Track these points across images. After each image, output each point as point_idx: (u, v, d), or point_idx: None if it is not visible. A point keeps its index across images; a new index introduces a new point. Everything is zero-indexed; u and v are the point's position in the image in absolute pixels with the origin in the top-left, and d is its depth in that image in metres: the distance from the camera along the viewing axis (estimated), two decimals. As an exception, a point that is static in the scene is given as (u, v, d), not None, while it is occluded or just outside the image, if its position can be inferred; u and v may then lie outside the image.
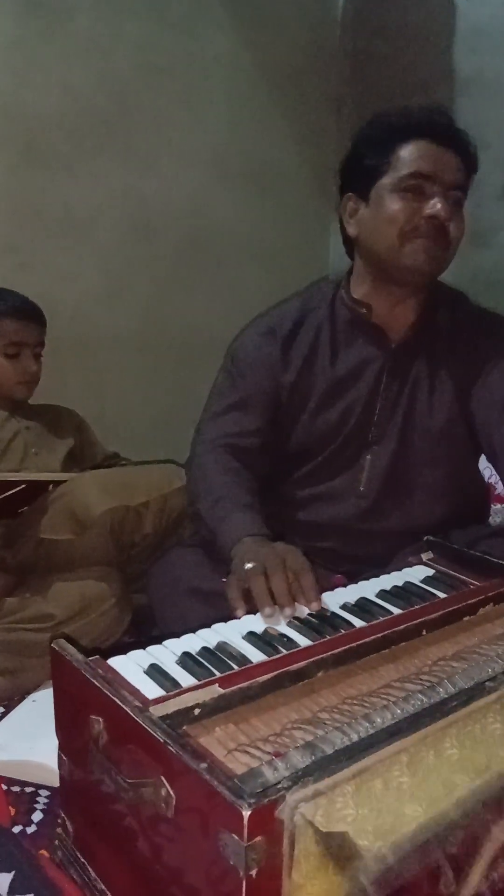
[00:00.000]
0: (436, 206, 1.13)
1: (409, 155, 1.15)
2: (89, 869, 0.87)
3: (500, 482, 1.76)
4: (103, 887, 0.84)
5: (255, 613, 0.98)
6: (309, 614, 0.98)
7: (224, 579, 1.27)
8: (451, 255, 1.19)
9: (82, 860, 0.88)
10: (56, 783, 0.93)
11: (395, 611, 0.99)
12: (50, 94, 1.96)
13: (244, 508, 1.18)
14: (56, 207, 2.02)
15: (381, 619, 0.96)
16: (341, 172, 1.24)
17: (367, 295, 1.25)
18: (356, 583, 1.08)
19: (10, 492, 1.40)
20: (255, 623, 0.96)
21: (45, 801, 1.08)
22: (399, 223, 1.14)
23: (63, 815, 0.92)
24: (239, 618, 0.97)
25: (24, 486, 1.41)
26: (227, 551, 1.11)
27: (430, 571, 1.12)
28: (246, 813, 0.58)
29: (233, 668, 0.84)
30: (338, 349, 1.27)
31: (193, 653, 0.88)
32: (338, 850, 0.62)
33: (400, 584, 1.07)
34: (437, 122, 1.17)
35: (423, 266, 1.17)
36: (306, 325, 1.28)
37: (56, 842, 0.94)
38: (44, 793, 1.09)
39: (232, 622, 0.97)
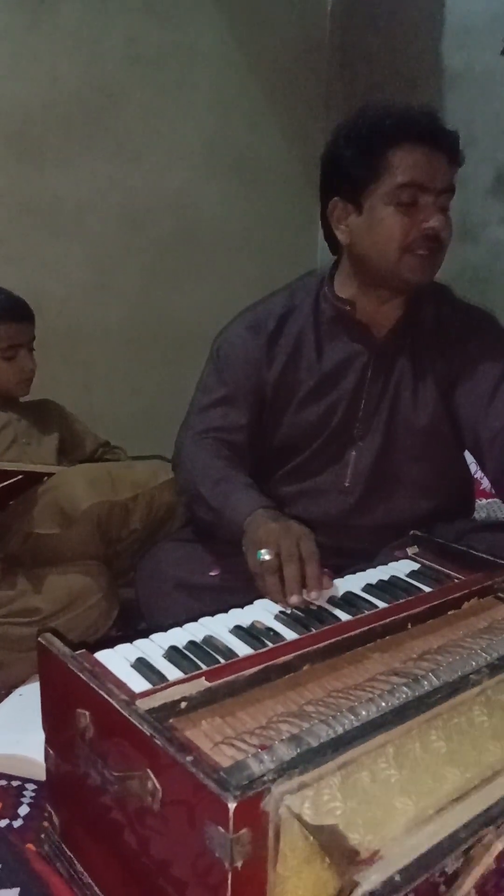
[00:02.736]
0: (433, 220, 1.13)
1: (401, 162, 1.12)
2: (76, 862, 0.87)
3: (485, 477, 1.77)
4: (90, 880, 0.84)
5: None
6: (295, 608, 0.98)
7: (212, 574, 1.28)
8: (443, 258, 1.20)
9: (69, 853, 0.88)
10: (43, 777, 0.93)
11: (381, 605, 0.99)
12: (38, 86, 1.94)
13: (248, 486, 1.19)
14: (43, 200, 2.01)
15: (367, 612, 0.96)
16: (324, 175, 1.22)
17: (354, 294, 1.24)
18: (342, 577, 1.08)
19: (7, 482, 1.40)
20: (242, 617, 0.97)
21: (32, 794, 1.08)
22: (397, 240, 1.14)
23: (49, 808, 0.92)
24: (293, 604, 0.98)
25: (20, 476, 1.41)
26: (239, 525, 1.11)
27: (416, 566, 1.13)
28: (231, 805, 0.59)
29: (219, 662, 0.84)
30: (322, 345, 1.27)
31: (180, 646, 0.88)
32: (329, 842, 0.63)
33: (385, 578, 1.08)
34: (426, 125, 1.15)
35: (423, 278, 1.18)
36: (291, 321, 1.28)
37: (42, 835, 0.94)
38: (30, 786, 1.09)
39: (219, 616, 0.97)
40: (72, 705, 0.79)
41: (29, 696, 1.23)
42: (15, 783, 1.10)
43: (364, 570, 1.11)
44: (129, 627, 1.45)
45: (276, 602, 1.00)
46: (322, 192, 1.22)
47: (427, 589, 1.04)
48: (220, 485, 1.20)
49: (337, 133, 1.20)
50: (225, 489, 1.19)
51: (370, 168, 1.14)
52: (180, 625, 0.94)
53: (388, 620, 0.93)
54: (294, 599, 0.97)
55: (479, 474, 1.75)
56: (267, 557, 1.02)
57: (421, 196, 1.13)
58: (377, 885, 0.62)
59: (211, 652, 0.87)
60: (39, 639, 0.85)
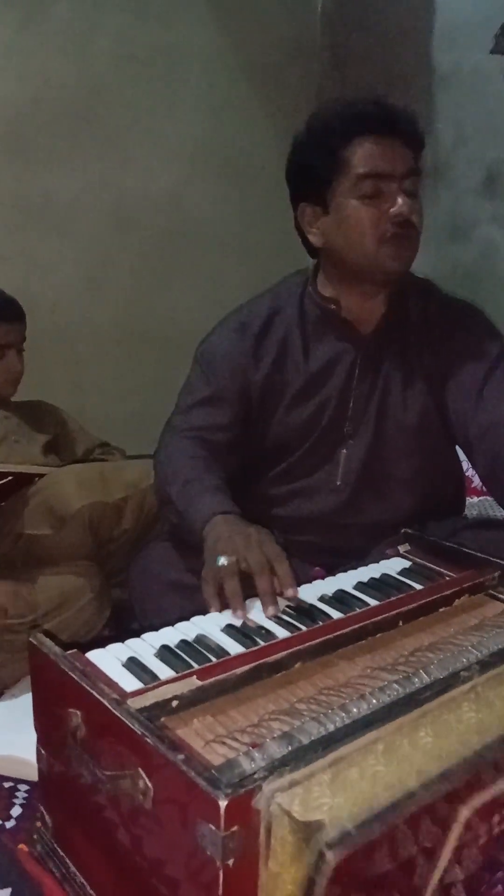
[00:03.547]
0: (399, 206, 1.12)
1: (355, 156, 1.13)
2: (68, 862, 0.87)
3: (476, 475, 1.78)
4: (82, 880, 0.84)
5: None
6: (287, 606, 0.98)
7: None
8: (419, 241, 1.19)
9: (61, 853, 0.88)
10: (35, 777, 0.93)
11: (373, 602, 1.00)
12: (28, 85, 1.94)
13: (213, 490, 1.18)
14: (34, 199, 2.01)
15: (359, 610, 0.96)
16: (289, 184, 1.23)
17: (337, 293, 1.24)
18: (334, 575, 1.08)
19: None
20: (234, 616, 0.97)
21: (25, 795, 1.08)
22: (367, 232, 1.14)
23: (42, 808, 0.92)
24: (217, 613, 0.97)
25: (10, 478, 1.40)
26: (198, 531, 1.10)
27: (407, 563, 1.13)
28: (223, 803, 0.59)
29: (211, 661, 0.84)
30: (309, 345, 1.27)
31: (172, 646, 0.88)
32: (312, 836, 0.63)
33: (377, 576, 1.08)
34: (374, 114, 1.14)
35: (400, 266, 1.17)
36: (276, 322, 1.28)
37: (35, 836, 0.94)
38: (23, 787, 1.09)
39: (211, 615, 0.97)
40: (63, 705, 0.79)
41: (21, 697, 1.23)
42: (7, 784, 1.10)
43: (356, 568, 1.11)
44: (122, 627, 1.44)
45: (215, 610, 0.97)
46: (291, 201, 1.23)
47: (418, 587, 1.05)
48: (187, 486, 1.19)
49: (294, 142, 1.21)
50: (190, 492, 1.18)
51: (328, 168, 1.14)
52: (172, 624, 0.94)
53: (379, 618, 0.93)
54: (271, 611, 0.96)
55: (470, 472, 1.76)
56: (225, 563, 1.00)
57: (383, 185, 1.13)
58: (333, 837, 0.62)
59: (203, 651, 0.87)
60: (31, 639, 0.85)
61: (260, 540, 1.04)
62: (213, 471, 1.23)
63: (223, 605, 0.98)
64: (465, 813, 0.73)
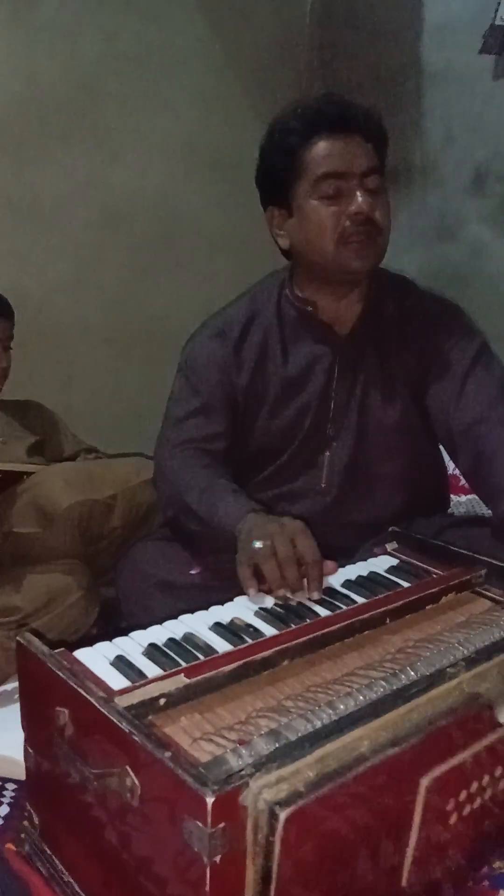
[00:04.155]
0: (358, 203, 1.12)
1: (313, 157, 1.13)
2: (56, 861, 0.87)
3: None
4: (70, 879, 0.84)
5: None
6: (275, 604, 0.99)
7: (192, 572, 1.28)
8: (386, 240, 1.18)
9: (49, 852, 0.88)
10: (23, 776, 0.93)
11: (360, 600, 1.00)
12: (16, 82, 1.93)
13: (235, 493, 1.19)
14: (23, 196, 2.00)
15: (346, 608, 0.97)
16: (258, 186, 1.23)
17: (312, 293, 1.24)
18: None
19: None
20: (222, 614, 0.97)
21: (12, 794, 1.07)
22: (327, 231, 1.14)
23: (29, 807, 0.91)
24: (251, 596, 0.98)
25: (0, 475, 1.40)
26: (231, 530, 1.11)
27: (395, 561, 1.14)
28: (209, 800, 0.59)
29: (199, 659, 0.84)
30: (287, 349, 1.27)
31: (160, 644, 0.88)
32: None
33: (365, 573, 1.09)
34: (329, 113, 1.14)
35: (362, 265, 1.16)
36: (255, 326, 1.28)
37: (22, 835, 0.94)
38: (10, 786, 1.09)
39: (198, 613, 0.97)
40: (51, 703, 0.79)
41: (8, 696, 1.22)
42: (-5, 783, 1.09)
43: (344, 566, 1.11)
44: (111, 626, 1.44)
45: (274, 589, 0.99)
46: (262, 205, 1.24)
47: (406, 584, 1.05)
48: (207, 494, 1.19)
49: (260, 147, 1.21)
50: (212, 498, 1.18)
51: (289, 170, 1.14)
52: (160, 622, 0.94)
53: (366, 615, 0.93)
54: (297, 596, 0.98)
55: (457, 472, 1.77)
56: (260, 546, 1.01)
57: (343, 184, 1.12)
58: (282, 797, 0.63)
59: (190, 649, 0.88)
60: (18, 638, 0.85)
61: (294, 531, 1.04)
62: (224, 477, 1.23)
63: (257, 588, 0.99)
64: (425, 783, 0.74)
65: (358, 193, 1.12)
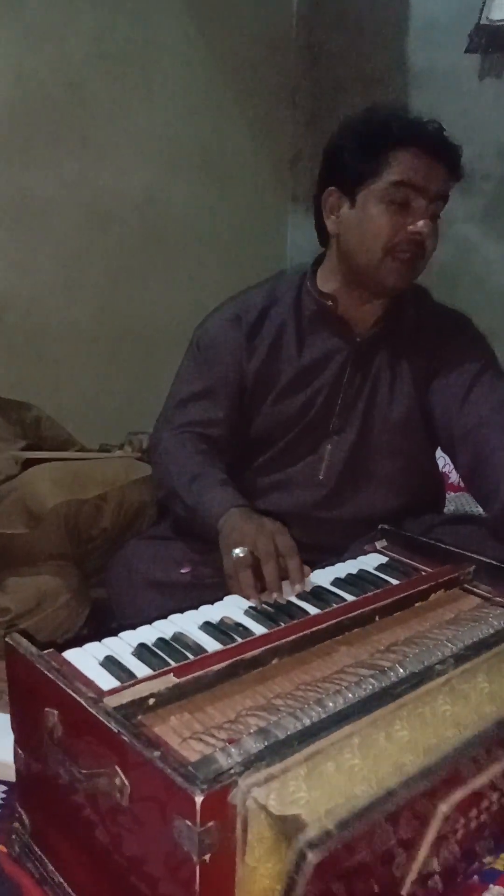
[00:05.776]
0: (420, 225, 1.15)
1: (400, 162, 1.15)
2: (46, 862, 0.87)
3: (453, 471, 1.80)
4: (61, 880, 0.84)
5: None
6: (265, 602, 0.99)
7: (183, 571, 1.28)
8: (424, 266, 1.22)
9: (39, 854, 0.88)
10: (13, 778, 0.92)
11: (349, 598, 1.00)
12: (2, 82, 1.92)
13: (223, 484, 1.20)
14: (10, 197, 1.98)
15: (336, 606, 0.97)
16: (325, 163, 1.23)
17: (336, 290, 1.26)
18: (312, 571, 1.09)
19: None
20: (212, 613, 0.97)
21: (2, 796, 1.07)
22: (383, 238, 1.16)
23: (20, 809, 0.91)
24: (257, 606, 0.99)
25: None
26: (213, 524, 1.12)
27: (384, 559, 1.14)
28: (198, 799, 0.59)
29: (188, 658, 0.84)
30: (303, 339, 1.28)
31: (149, 644, 0.88)
32: (291, 832, 0.64)
33: (354, 571, 1.09)
34: (431, 133, 1.17)
35: (398, 283, 1.20)
36: (272, 313, 1.30)
37: (13, 836, 0.94)
38: (0, 788, 1.08)
39: (188, 613, 0.97)
40: (40, 704, 0.79)
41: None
42: (-15, 785, 1.09)
43: (333, 564, 1.12)
44: (102, 626, 1.44)
45: (249, 598, 1.00)
46: (320, 180, 1.24)
47: (395, 582, 1.06)
48: (196, 482, 1.21)
49: (343, 125, 1.22)
50: (199, 486, 1.20)
51: (370, 163, 1.16)
52: (150, 622, 0.94)
53: (355, 613, 0.94)
54: (275, 596, 0.99)
55: (446, 468, 1.78)
56: (241, 554, 1.03)
57: (414, 198, 1.15)
58: (314, 837, 0.63)
59: (180, 649, 0.88)
60: (7, 639, 0.84)
61: (274, 531, 1.06)
62: (216, 465, 1.25)
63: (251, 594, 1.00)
64: (443, 809, 0.74)
65: (424, 214, 1.15)
